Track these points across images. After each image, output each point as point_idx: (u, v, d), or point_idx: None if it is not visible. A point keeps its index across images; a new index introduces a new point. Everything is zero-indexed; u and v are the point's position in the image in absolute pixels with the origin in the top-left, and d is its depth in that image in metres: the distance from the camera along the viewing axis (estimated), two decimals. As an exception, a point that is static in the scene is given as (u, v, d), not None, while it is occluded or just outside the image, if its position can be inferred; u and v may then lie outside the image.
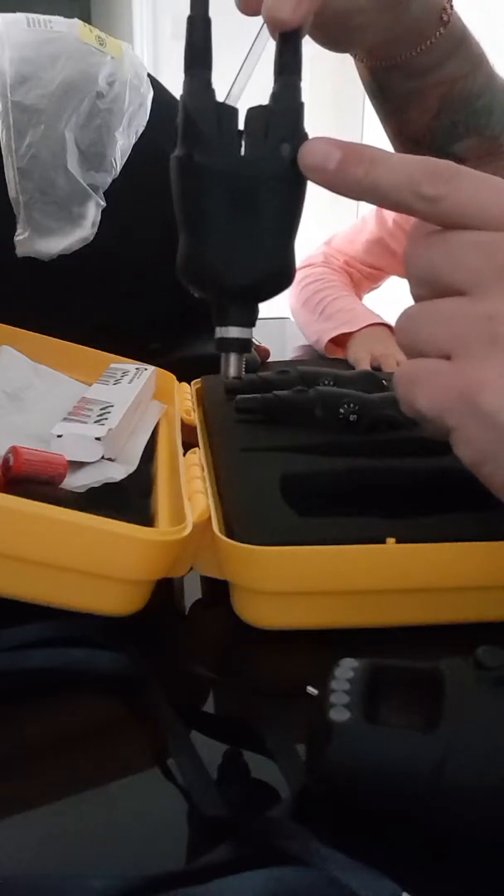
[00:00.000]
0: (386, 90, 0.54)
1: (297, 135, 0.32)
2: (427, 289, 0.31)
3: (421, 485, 0.43)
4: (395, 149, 0.61)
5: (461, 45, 0.51)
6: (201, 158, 0.32)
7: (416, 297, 0.32)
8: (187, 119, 0.32)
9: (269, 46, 0.36)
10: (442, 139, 0.55)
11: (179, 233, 0.33)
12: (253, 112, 0.33)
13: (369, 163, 0.31)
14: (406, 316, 0.32)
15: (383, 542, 0.35)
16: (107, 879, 0.22)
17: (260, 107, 0.33)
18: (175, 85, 0.79)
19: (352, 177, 0.31)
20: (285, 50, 0.33)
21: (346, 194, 0.32)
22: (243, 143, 0.32)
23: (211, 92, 0.32)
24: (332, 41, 0.48)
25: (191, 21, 0.33)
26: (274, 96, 0.33)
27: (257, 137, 0.32)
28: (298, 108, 0.33)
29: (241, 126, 0.32)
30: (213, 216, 0.32)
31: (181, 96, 0.32)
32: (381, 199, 0.31)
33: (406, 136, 0.57)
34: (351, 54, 0.52)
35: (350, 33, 0.47)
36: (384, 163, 0.31)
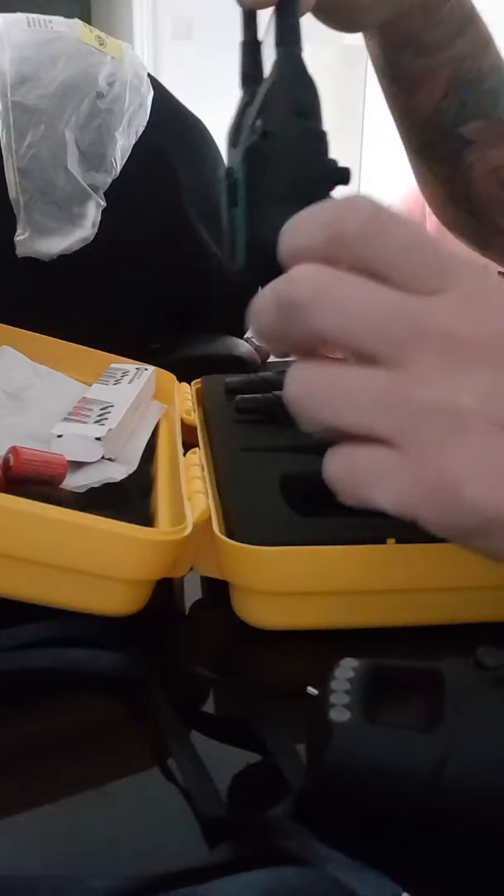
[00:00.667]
0: (396, 70, 0.54)
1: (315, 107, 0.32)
2: (301, 335, 0.27)
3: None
4: (402, 134, 0.61)
5: (469, 24, 0.52)
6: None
7: (275, 333, 0.28)
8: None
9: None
10: (450, 121, 0.55)
11: (243, 223, 0.31)
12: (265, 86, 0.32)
13: (293, 229, 0.28)
14: (304, 385, 0.27)
15: (383, 542, 0.35)
16: (107, 879, 0.22)
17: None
18: (175, 85, 0.79)
19: (285, 252, 0.28)
20: (281, 20, 0.33)
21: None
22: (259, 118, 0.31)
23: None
24: (341, 22, 0.48)
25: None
26: (277, 67, 0.32)
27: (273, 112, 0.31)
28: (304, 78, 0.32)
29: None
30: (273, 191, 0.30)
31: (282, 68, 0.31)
32: (309, 259, 0.27)
33: (414, 119, 0.57)
34: (363, 34, 0.53)
35: (357, 13, 0.47)
36: (303, 221, 0.28)
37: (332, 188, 0.30)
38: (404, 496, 0.27)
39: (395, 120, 0.60)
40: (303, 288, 0.27)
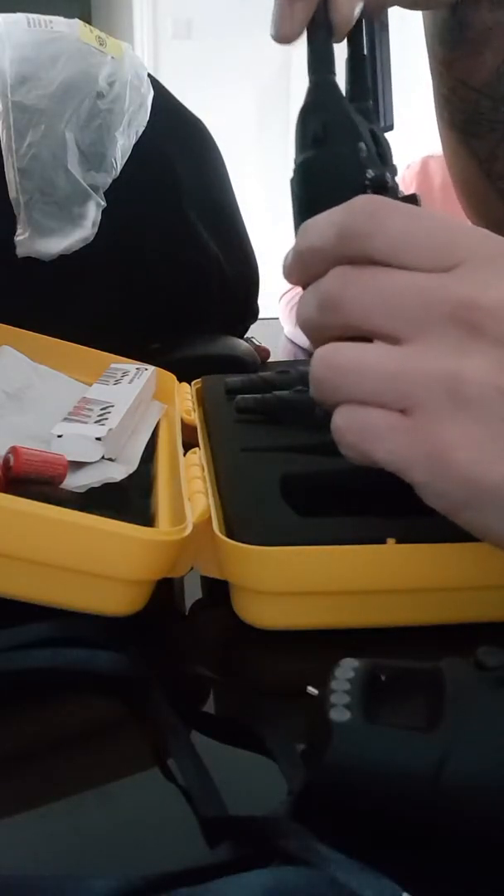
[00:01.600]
0: (464, 29, 0.55)
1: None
2: (339, 327, 0.30)
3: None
4: (445, 112, 0.61)
5: None
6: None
7: (318, 327, 0.30)
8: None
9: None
10: None
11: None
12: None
13: (303, 231, 0.31)
14: (326, 365, 0.29)
15: (383, 542, 0.35)
16: (107, 879, 0.22)
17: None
18: (175, 85, 0.80)
19: (296, 252, 0.31)
20: (311, 48, 0.35)
21: (302, 275, 0.32)
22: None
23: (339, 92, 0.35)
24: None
25: (312, 26, 0.35)
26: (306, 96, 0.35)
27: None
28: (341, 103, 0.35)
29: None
30: None
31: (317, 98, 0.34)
32: (317, 258, 0.30)
33: (469, 88, 0.57)
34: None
35: None
36: (311, 224, 0.31)
37: None
38: (399, 456, 0.28)
39: (442, 96, 0.60)
40: (333, 284, 0.29)
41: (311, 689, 0.28)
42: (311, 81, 0.34)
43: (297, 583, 0.35)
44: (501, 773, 0.23)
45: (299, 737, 0.27)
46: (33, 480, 0.40)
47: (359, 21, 0.37)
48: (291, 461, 0.44)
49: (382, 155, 0.35)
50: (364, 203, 0.29)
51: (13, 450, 0.40)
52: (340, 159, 0.34)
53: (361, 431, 0.29)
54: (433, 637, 0.36)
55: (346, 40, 0.37)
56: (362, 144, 0.34)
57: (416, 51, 1.09)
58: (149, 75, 0.73)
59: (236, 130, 1.36)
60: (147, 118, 0.72)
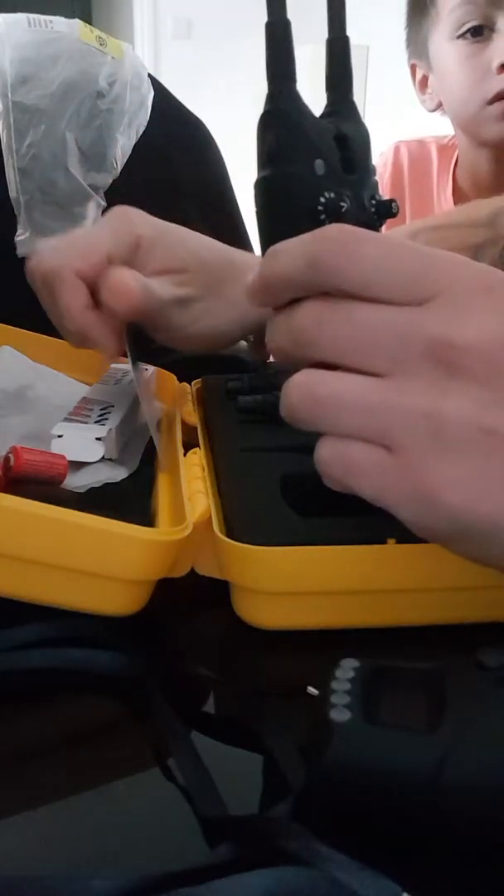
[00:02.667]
0: None
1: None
2: (314, 361, 0.29)
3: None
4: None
5: None
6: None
7: (291, 359, 0.30)
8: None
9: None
10: None
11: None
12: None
13: (271, 257, 0.30)
14: (303, 394, 0.29)
15: (383, 542, 0.35)
16: (107, 879, 0.22)
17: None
18: (175, 85, 0.79)
19: (262, 276, 0.30)
20: (269, 53, 0.32)
21: (267, 299, 0.31)
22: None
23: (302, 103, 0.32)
24: None
25: (269, 27, 0.32)
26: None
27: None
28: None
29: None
30: None
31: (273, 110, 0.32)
32: (285, 286, 0.30)
33: None
34: None
35: None
36: (279, 251, 0.30)
37: (315, 223, 0.31)
38: (385, 493, 0.28)
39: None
40: (307, 321, 0.29)
41: (312, 690, 0.28)
42: (268, 90, 0.32)
43: (297, 583, 0.35)
44: (501, 773, 0.23)
45: (299, 737, 0.27)
46: (34, 480, 0.40)
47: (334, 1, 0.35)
48: (291, 461, 0.44)
49: (350, 160, 0.34)
50: (335, 233, 0.29)
51: (13, 450, 0.40)
52: (293, 181, 0.32)
53: (346, 467, 0.29)
54: (433, 637, 0.36)
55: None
56: (319, 162, 0.32)
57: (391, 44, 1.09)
58: (149, 75, 0.74)
59: (236, 130, 1.36)
60: (147, 118, 0.72)
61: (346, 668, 0.27)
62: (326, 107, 0.34)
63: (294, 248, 0.29)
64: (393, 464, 0.28)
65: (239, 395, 0.53)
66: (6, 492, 0.33)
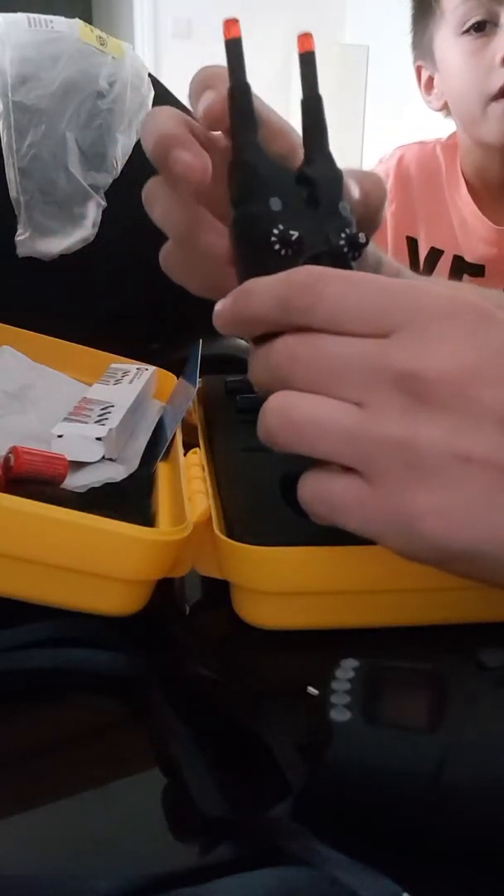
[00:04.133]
0: None
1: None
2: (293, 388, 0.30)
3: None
4: None
5: None
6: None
7: (272, 390, 0.31)
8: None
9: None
10: None
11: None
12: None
13: (244, 295, 0.32)
14: (281, 418, 0.30)
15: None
16: (107, 879, 0.22)
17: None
18: (175, 85, 0.79)
19: (235, 314, 0.32)
20: (232, 114, 0.36)
21: (238, 332, 0.33)
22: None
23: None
24: None
25: (231, 91, 0.35)
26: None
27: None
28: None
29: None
30: None
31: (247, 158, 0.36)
32: (259, 324, 0.32)
33: None
34: None
35: None
36: (251, 291, 0.32)
37: (277, 260, 0.34)
38: (369, 527, 0.30)
39: None
40: (281, 358, 0.30)
41: (312, 690, 0.28)
42: (231, 143, 0.36)
43: (297, 583, 0.35)
44: (501, 773, 0.23)
45: (299, 737, 0.27)
46: (34, 480, 0.40)
47: (307, 64, 0.38)
48: (292, 461, 0.44)
49: (315, 197, 0.36)
50: (303, 276, 0.31)
51: (14, 450, 0.40)
52: (248, 219, 0.35)
53: (330, 505, 0.30)
54: (434, 637, 0.36)
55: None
56: (275, 199, 0.35)
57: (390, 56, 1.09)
58: (149, 75, 0.73)
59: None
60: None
61: (346, 668, 0.27)
62: (304, 157, 0.37)
63: (265, 290, 0.31)
64: (372, 496, 0.29)
65: (239, 394, 0.53)
66: (6, 492, 0.33)
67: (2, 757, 0.29)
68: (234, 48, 0.36)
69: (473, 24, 0.94)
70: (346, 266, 0.35)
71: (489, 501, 0.28)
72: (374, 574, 0.35)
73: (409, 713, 0.25)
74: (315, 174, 0.36)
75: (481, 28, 0.94)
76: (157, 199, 0.41)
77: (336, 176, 0.37)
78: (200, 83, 0.37)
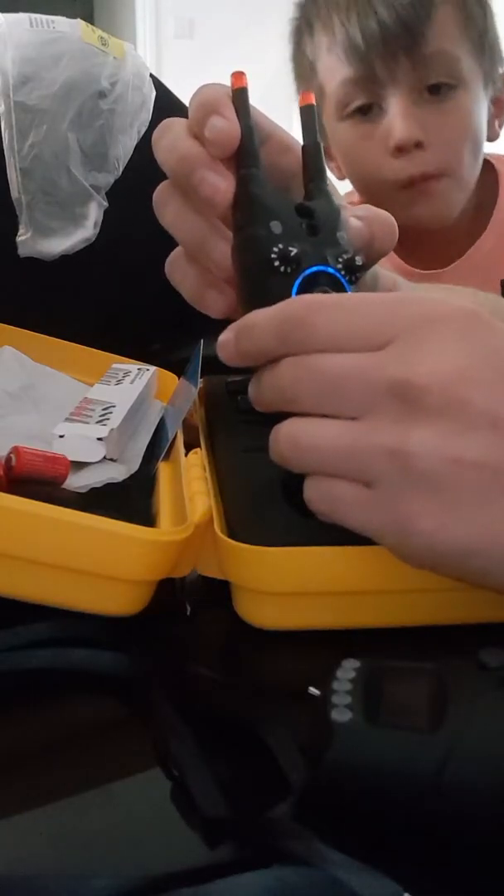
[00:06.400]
0: None
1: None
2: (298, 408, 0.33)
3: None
4: None
5: None
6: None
7: (280, 406, 0.33)
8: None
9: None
10: None
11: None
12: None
13: (245, 332, 0.34)
14: (288, 443, 0.33)
15: (385, 542, 0.35)
16: (108, 879, 0.22)
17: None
18: (177, 85, 0.80)
19: (239, 349, 0.35)
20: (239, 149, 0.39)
21: (244, 363, 0.35)
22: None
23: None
24: None
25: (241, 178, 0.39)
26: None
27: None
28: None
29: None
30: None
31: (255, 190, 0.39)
32: (262, 357, 0.34)
33: None
34: None
35: None
36: (252, 326, 0.34)
37: (277, 277, 0.37)
38: (367, 526, 0.32)
39: None
40: (285, 380, 0.33)
41: (313, 690, 0.28)
42: (236, 174, 0.39)
43: (298, 583, 0.35)
44: (502, 773, 0.23)
45: (300, 737, 0.27)
46: (35, 480, 0.40)
47: (307, 115, 0.42)
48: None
49: (314, 227, 0.38)
50: (295, 308, 0.33)
51: (15, 450, 0.40)
52: (250, 241, 0.38)
53: (331, 503, 0.32)
54: (434, 637, 0.36)
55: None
56: (275, 223, 0.37)
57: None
58: (151, 75, 0.73)
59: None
60: (149, 118, 0.72)
61: (347, 669, 0.27)
62: (305, 195, 0.41)
63: (264, 324, 0.33)
64: (370, 498, 0.31)
65: (240, 395, 0.53)
66: (8, 492, 0.33)
67: (2, 757, 0.29)
68: (240, 96, 0.40)
69: (357, 108, 0.88)
70: (343, 286, 0.38)
71: (481, 501, 0.29)
72: (376, 574, 0.35)
73: (410, 713, 0.25)
74: (314, 206, 0.39)
75: (367, 111, 0.88)
76: (168, 205, 0.42)
77: (334, 209, 0.40)
78: (203, 107, 0.39)
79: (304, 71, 0.94)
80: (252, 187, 0.39)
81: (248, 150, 0.39)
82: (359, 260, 0.38)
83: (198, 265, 0.43)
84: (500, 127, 0.98)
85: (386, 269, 0.54)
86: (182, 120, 0.41)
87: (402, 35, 0.82)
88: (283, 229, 0.37)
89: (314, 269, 0.37)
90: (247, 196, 0.39)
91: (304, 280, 0.37)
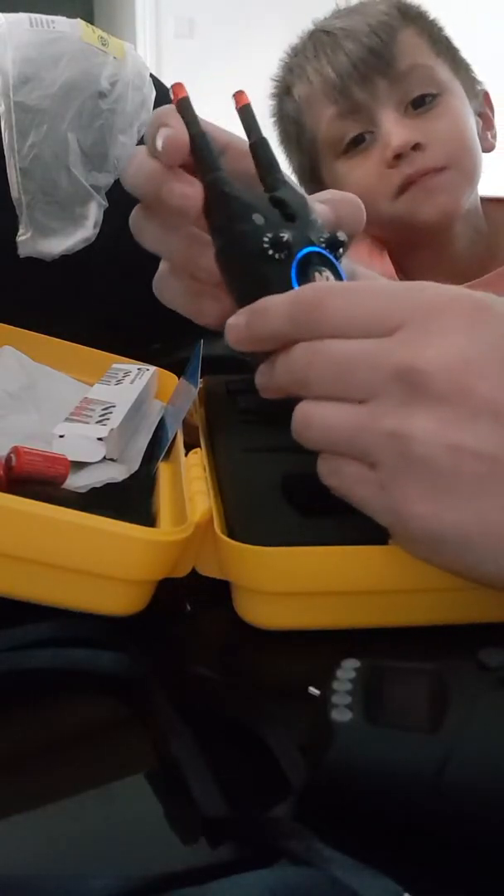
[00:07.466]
0: None
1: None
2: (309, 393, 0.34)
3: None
4: None
5: None
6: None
7: (282, 394, 0.35)
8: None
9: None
10: None
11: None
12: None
13: (258, 314, 0.35)
14: (302, 425, 0.34)
15: (384, 542, 0.35)
16: (107, 879, 0.22)
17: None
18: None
19: (251, 332, 0.36)
20: (195, 157, 0.41)
21: (254, 348, 0.37)
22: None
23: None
24: None
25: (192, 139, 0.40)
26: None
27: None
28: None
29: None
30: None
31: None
32: (273, 341, 0.35)
33: None
34: None
35: None
36: (265, 310, 0.35)
37: (272, 265, 0.38)
38: (368, 504, 0.33)
39: None
40: (298, 365, 0.34)
41: (313, 690, 0.28)
42: (202, 181, 0.40)
43: (298, 583, 0.35)
44: (502, 773, 0.23)
45: (300, 737, 0.27)
46: (35, 480, 0.40)
47: (246, 115, 0.44)
48: (293, 462, 0.44)
49: (290, 214, 0.40)
50: (308, 295, 0.34)
51: (15, 450, 0.40)
52: (239, 236, 0.38)
53: (339, 479, 0.33)
54: (434, 637, 0.36)
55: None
56: (257, 215, 0.38)
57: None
58: (151, 75, 0.73)
59: (238, 130, 1.35)
60: (149, 118, 0.72)
61: (348, 669, 0.27)
62: (266, 190, 0.42)
63: (276, 309, 0.34)
64: (373, 478, 0.32)
65: (240, 395, 0.53)
66: (7, 492, 0.33)
67: (2, 757, 0.29)
68: (183, 104, 0.41)
69: (350, 140, 0.89)
70: (334, 263, 0.39)
71: (476, 490, 0.29)
72: (376, 574, 0.35)
73: (410, 713, 0.25)
74: (283, 195, 0.40)
75: (360, 140, 0.89)
76: (145, 229, 0.44)
77: (300, 196, 0.41)
78: (153, 125, 0.41)
79: (289, 131, 0.97)
80: (223, 188, 0.39)
81: (205, 157, 0.40)
82: (341, 236, 0.39)
83: (185, 278, 0.45)
84: (494, 139, 0.98)
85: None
86: (143, 147, 0.42)
87: (371, 59, 0.86)
88: (265, 220, 0.38)
89: (306, 250, 0.38)
90: (221, 197, 0.39)
91: (300, 262, 0.38)
